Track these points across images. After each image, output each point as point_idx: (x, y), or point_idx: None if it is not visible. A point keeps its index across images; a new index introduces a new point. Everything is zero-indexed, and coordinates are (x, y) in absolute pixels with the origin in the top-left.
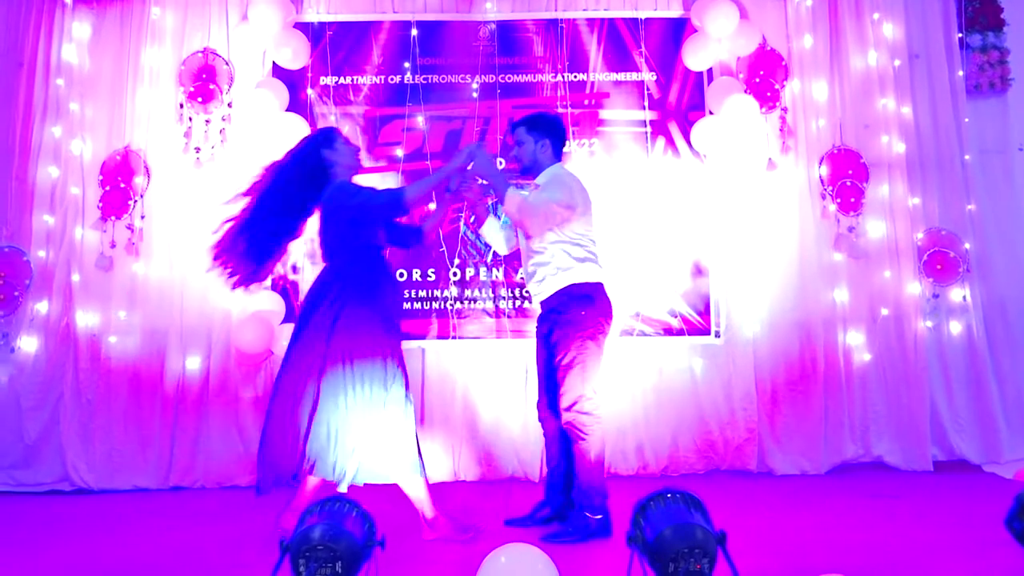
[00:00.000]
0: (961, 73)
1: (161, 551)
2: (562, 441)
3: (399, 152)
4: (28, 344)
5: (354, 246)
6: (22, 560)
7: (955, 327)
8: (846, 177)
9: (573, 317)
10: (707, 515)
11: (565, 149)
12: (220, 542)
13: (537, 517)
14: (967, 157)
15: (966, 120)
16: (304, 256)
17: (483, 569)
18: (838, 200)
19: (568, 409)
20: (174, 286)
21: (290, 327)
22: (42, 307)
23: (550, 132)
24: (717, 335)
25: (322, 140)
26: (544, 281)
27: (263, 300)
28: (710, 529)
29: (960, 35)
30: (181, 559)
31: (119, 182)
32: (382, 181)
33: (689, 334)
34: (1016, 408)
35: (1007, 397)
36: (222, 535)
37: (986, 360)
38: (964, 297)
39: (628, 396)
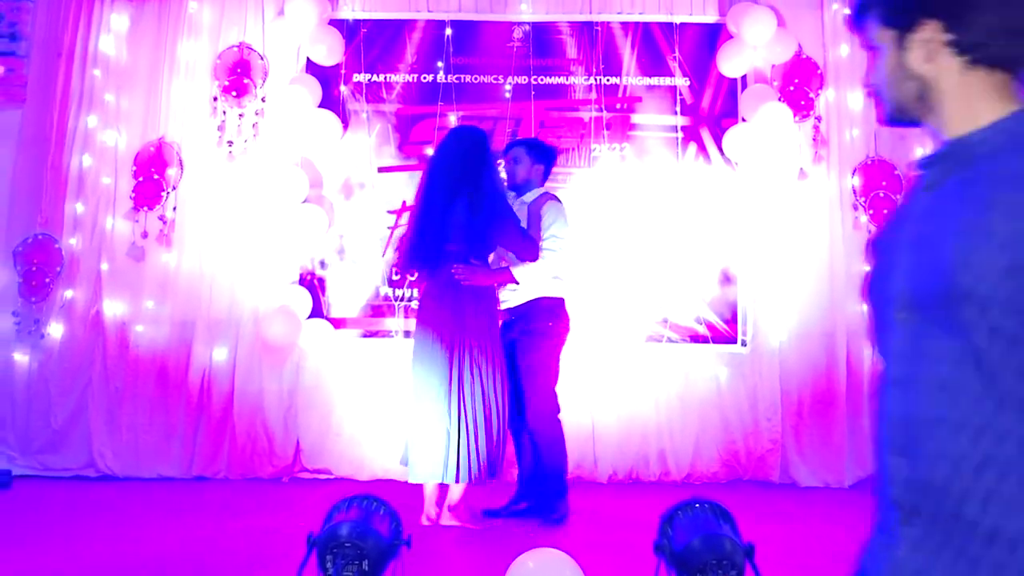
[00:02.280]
0: None
1: (186, 541)
2: (529, 439)
3: (430, 151)
4: (57, 331)
5: None
6: (52, 543)
7: None
8: (879, 188)
9: (540, 327)
10: (735, 526)
11: (595, 154)
12: (245, 534)
13: (512, 509)
14: None
15: None
16: (334, 252)
17: (511, 573)
18: (870, 211)
19: (536, 414)
20: (204, 278)
21: (316, 322)
22: (71, 295)
23: (546, 158)
24: (743, 344)
25: None
26: (516, 291)
27: (290, 294)
28: (738, 541)
29: None
30: (207, 549)
31: (152, 173)
32: (411, 180)
33: (715, 342)
34: None
35: None
36: (246, 527)
37: None
38: None
39: (652, 402)
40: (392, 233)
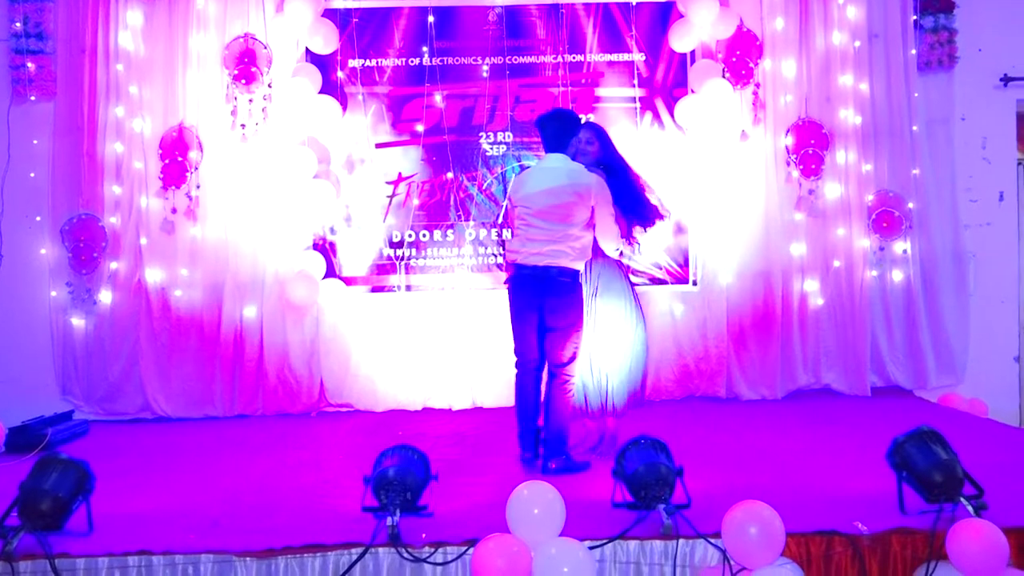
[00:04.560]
0: (914, 52)
1: (246, 471)
2: None
3: (419, 127)
4: (106, 297)
5: None
6: (137, 478)
7: (896, 275)
8: (809, 146)
9: None
10: (669, 455)
11: None
12: (294, 461)
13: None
14: (915, 127)
15: (916, 95)
16: (342, 219)
17: (512, 499)
18: (801, 167)
19: None
20: (228, 247)
21: (330, 281)
22: (116, 266)
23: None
24: (695, 284)
25: None
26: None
27: (306, 259)
28: (671, 466)
29: (915, 17)
30: (266, 477)
31: (176, 156)
32: (405, 154)
33: (671, 283)
34: (943, 344)
35: (936, 335)
36: (292, 455)
37: (920, 304)
38: (905, 250)
39: None
40: (391, 201)
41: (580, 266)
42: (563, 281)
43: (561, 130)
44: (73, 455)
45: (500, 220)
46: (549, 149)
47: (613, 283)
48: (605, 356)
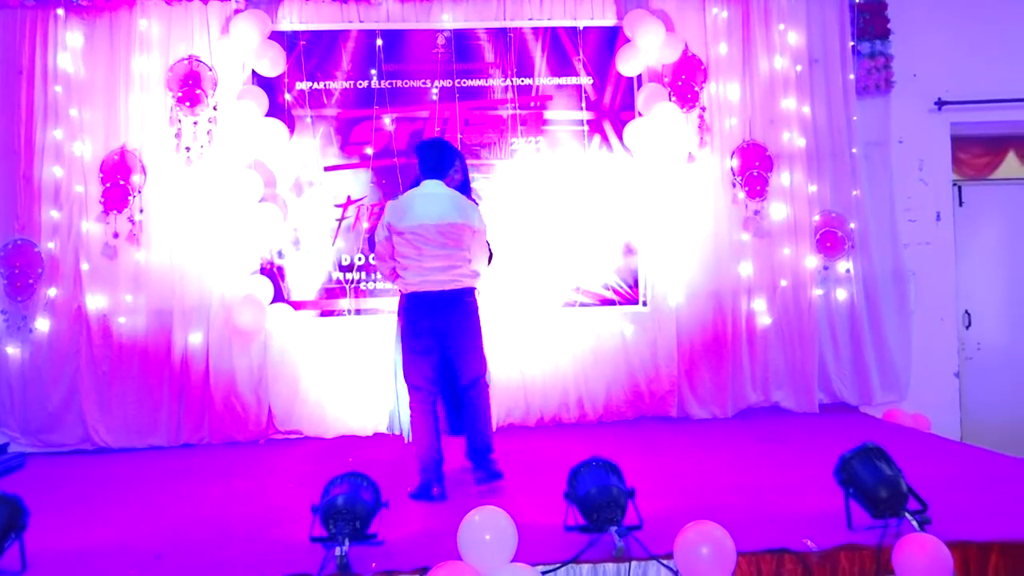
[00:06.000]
0: (852, 76)
1: (192, 502)
2: None
3: (369, 150)
4: (43, 325)
5: None
6: (76, 514)
7: (840, 294)
8: (754, 168)
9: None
10: (621, 476)
11: (513, 147)
12: (241, 491)
13: None
14: (854, 150)
15: (855, 118)
16: (290, 243)
17: (463, 525)
18: (746, 188)
19: None
20: (173, 272)
21: (278, 306)
22: (53, 292)
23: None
24: (644, 304)
25: None
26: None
27: (254, 283)
28: (623, 487)
29: (852, 43)
30: (211, 508)
31: (118, 179)
32: (354, 177)
33: (621, 304)
34: (887, 361)
35: (879, 352)
36: (239, 485)
37: (864, 322)
38: (848, 269)
39: (571, 357)
40: (340, 224)
41: (477, 283)
42: (468, 301)
43: (441, 158)
44: (5, 490)
45: (362, 246)
46: (428, 175)
47: None
48: None
